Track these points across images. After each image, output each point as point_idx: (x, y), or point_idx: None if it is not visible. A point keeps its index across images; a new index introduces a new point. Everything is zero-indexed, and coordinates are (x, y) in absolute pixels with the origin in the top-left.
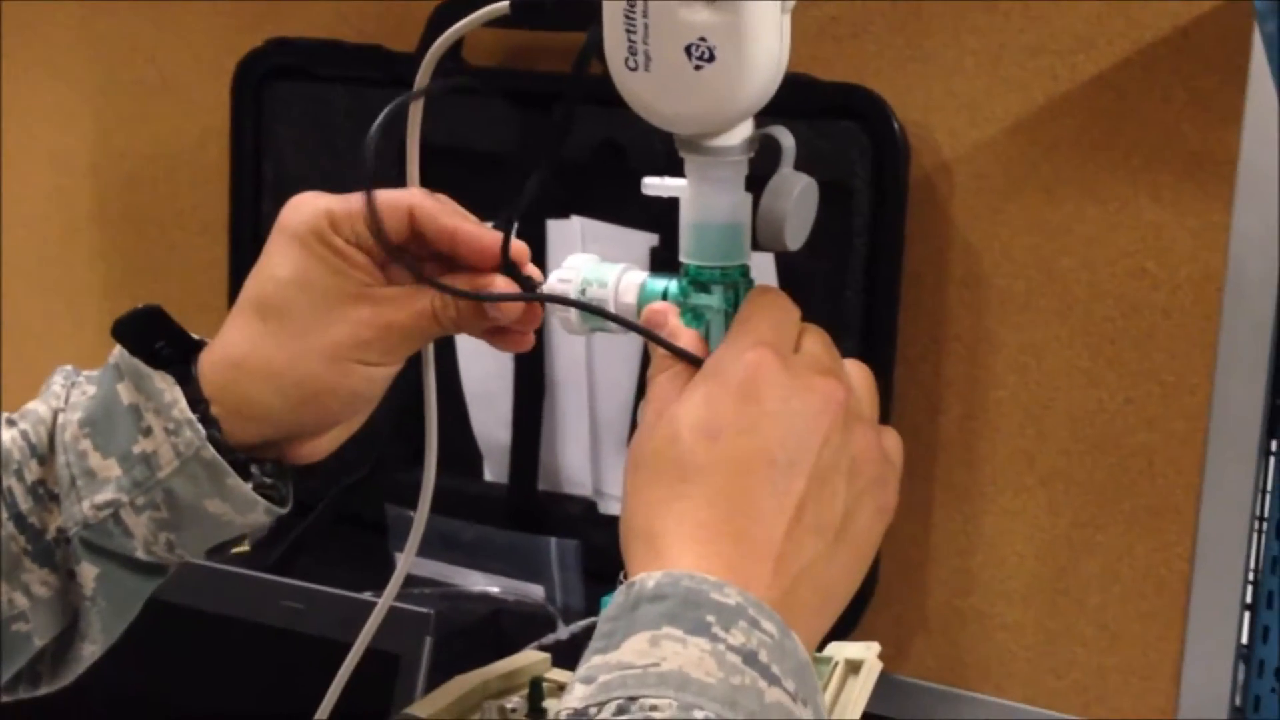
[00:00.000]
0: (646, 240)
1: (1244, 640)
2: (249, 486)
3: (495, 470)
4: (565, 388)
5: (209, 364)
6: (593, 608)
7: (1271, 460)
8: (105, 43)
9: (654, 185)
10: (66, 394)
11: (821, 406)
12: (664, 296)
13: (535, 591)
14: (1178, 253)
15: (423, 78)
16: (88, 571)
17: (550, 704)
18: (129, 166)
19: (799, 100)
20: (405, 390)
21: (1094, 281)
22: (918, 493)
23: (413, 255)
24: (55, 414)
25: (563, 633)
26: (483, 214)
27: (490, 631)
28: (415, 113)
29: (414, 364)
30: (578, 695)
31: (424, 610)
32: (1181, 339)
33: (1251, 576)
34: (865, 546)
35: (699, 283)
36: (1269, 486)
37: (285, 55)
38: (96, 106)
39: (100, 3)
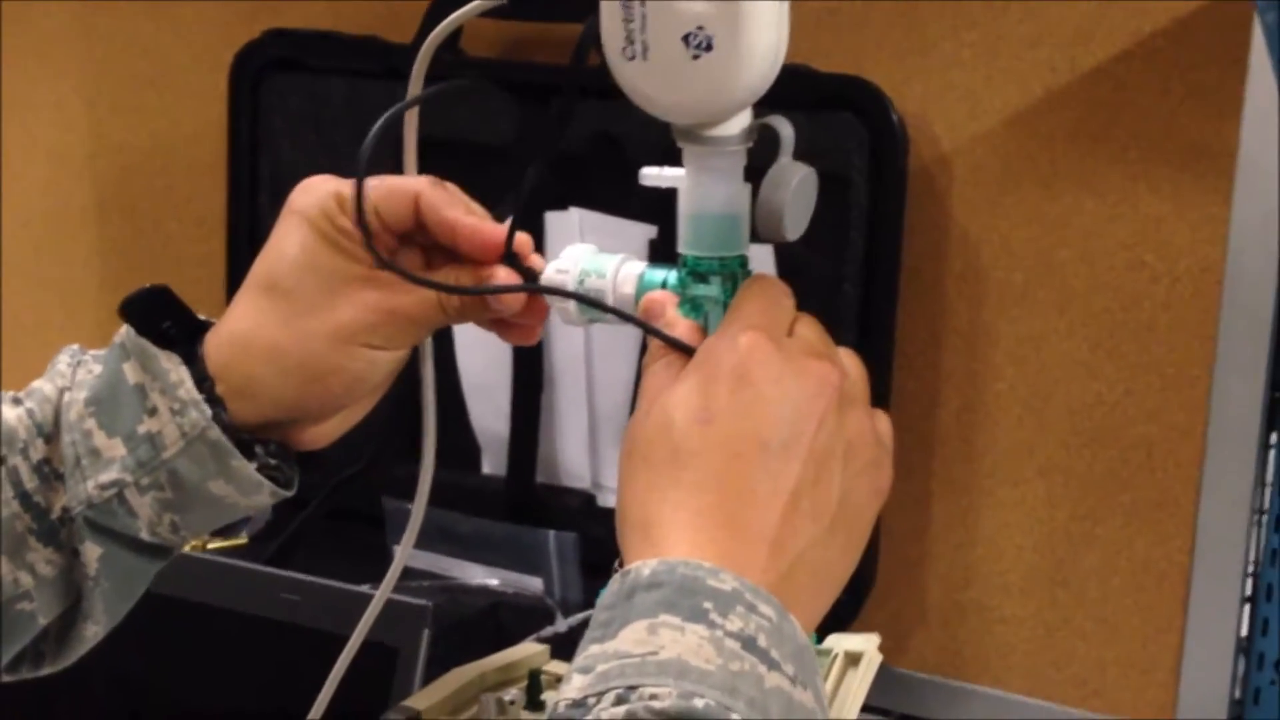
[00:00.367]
0: (645, 232)
1: (1244, 633)
2: (253, 468)
3: (493, 463)
4: (564, 380)
5: (214, 343)
6: (591, 600)
7: (1271, 453)
8: (101, 35)
9: (652, 176)
10: (72, 373)
11: (816, 389)
12: (663, 287)
13: (534, 584)
14: (1177, 245)
15: (420, 70)
16: (91, 551)
17: (549, 696)
18: (125, 159)
19: (797, 91)
20: (402, 383)
21: (1093, 274)
22: (917, 486)
23: (417, 246)
24: (61, 393)
25: (561, 625)
26: (482, 206)
27: (488, 624)
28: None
29: (411, 356)
30: (575, 685)
31: (422, 603)
32: (1181, 331)
33: (1251, 569)
34: (861, 528)
35: (697, 273)
36: (1269, 479)
37: (282, 47)
38: (92, 99)
39: None
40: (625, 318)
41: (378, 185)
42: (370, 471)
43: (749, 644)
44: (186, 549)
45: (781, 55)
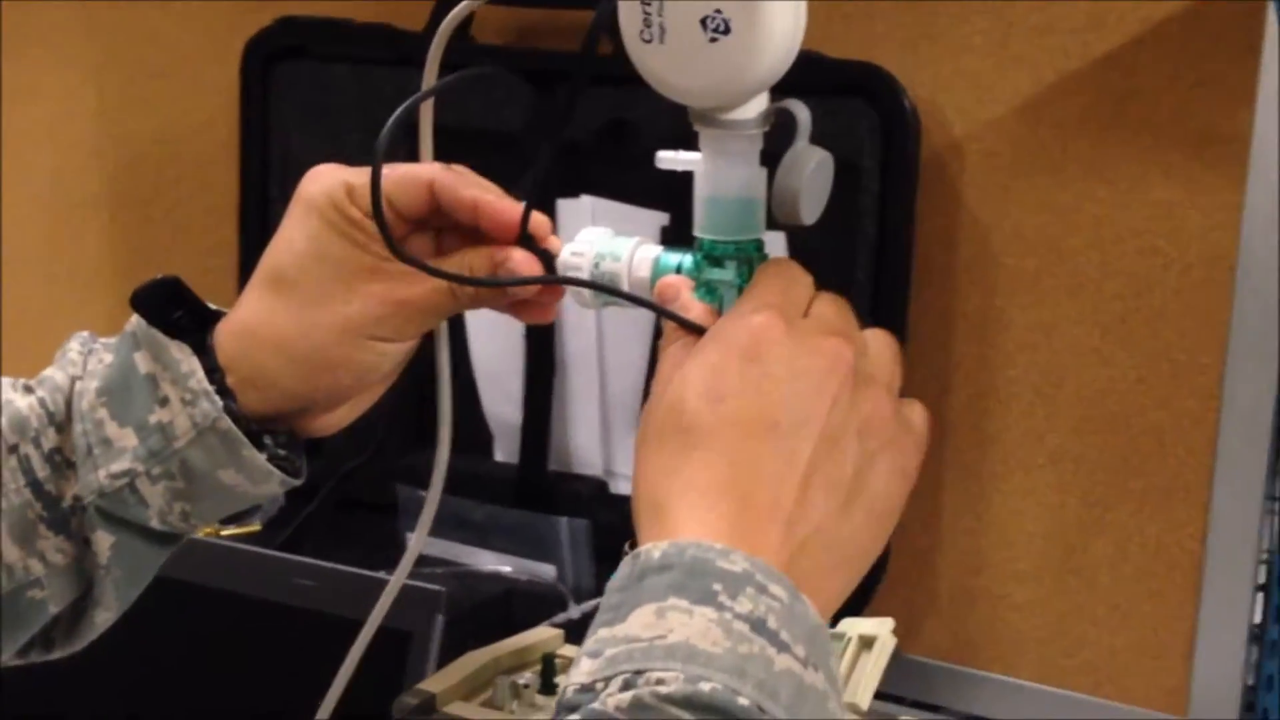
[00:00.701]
0: (657, 219)
1: (1256, 620)
2: (264, 457)
3: (506, 450)
4: (576, 367)
5: (225, 334)
6: (603, 587)
7: None
8: (109, 23)
9: (668, 159)
10: (84, 361)
11: (829, 367)
12: (678, 271)
13: (546, 571)
14: (1189, 231)
15: (434, 57)
16: (103, 540)
17: (563, 679)
18: (135, 148)
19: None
20: (414, 371)
21: (1104, 260)
22: (928, 472)
23: (430, 231)
24: (73, 381)
25: (574, 612)
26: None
27: (501, 611)
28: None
29: (423, 344)
30: (584, 670)
31: (436, 588)
32: (1193, 318)
33: (1263, 556)
34: (884, 507)
35: (713, 257)
36: None
37: (292, 35)
38: (101, 89)
39: None
40: (641, 302)
41: (389, 173)
42: (380, 459)
43: (758, 626)
44: (200, 535)
45: (799, 39)
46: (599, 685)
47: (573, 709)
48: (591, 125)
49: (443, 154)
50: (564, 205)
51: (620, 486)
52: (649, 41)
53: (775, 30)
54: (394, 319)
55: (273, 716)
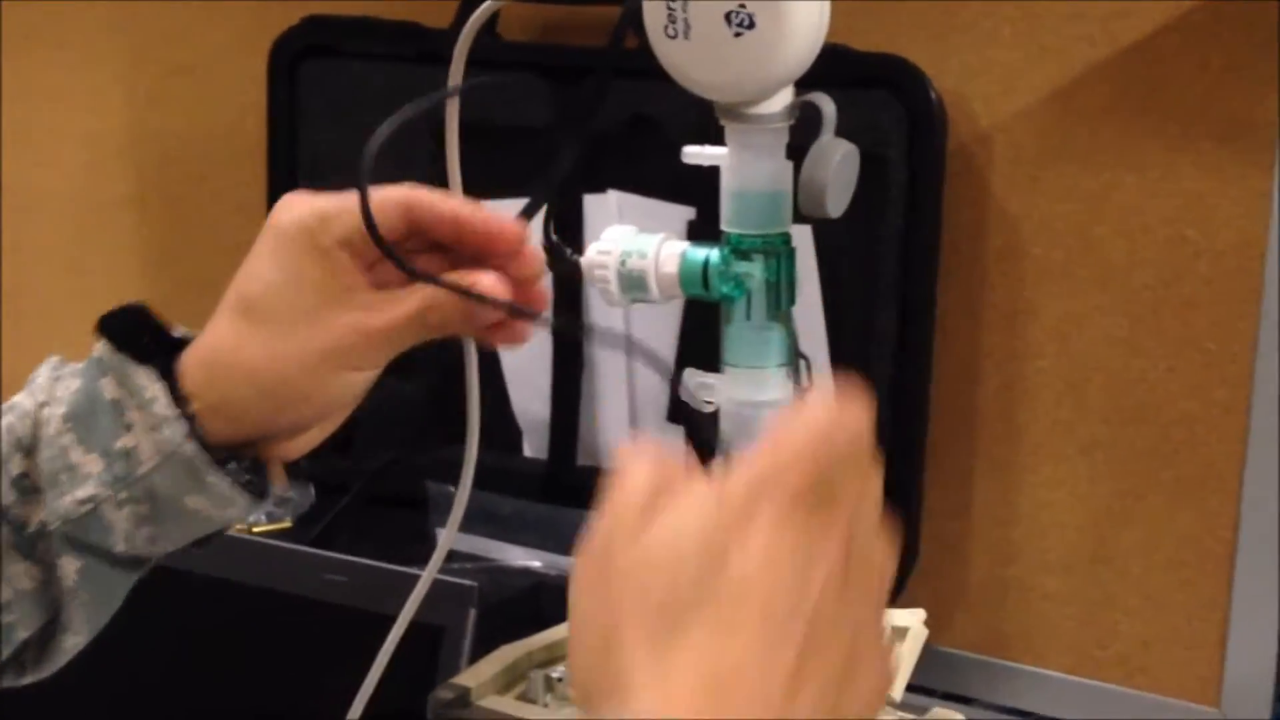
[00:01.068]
0: (683, 214)
1: None
2: (228, 483)
3: (535, 445)
4: (604, 362)
5: (191, 361)
6: None
7: None
8: (139, 24)
9: (694, 154)
10: (51, 387)
11: (830, 554)
12: (705, 265)
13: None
14: (1218, 220)
15: (460, 55)
16: (69, 565)
17: None
18: (164, 146)
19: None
20: (443, 367)
21: (1133, 250)
22: (958, 464)
23: (407, 251)
24: (40, 407)
25: None
26: (516, 189)
27: (531, 605)
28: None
29: (452, 342)
30: None
31: (468, 583)
32: (1223, 306)
33: None
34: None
35: (740, 251)
36: None
37: (320, 34)
38: (130, 88)
39: None
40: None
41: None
42: (411, 456)
43: None
44: (232, 531)
45: (823, 32)
46: None
47: None
48: (618, 120)
49: (466, 150)
50: (590, 200)
51: None
52: (674, 37)
53: (799, 24)
54: (363, 349)
55: (306, 712)
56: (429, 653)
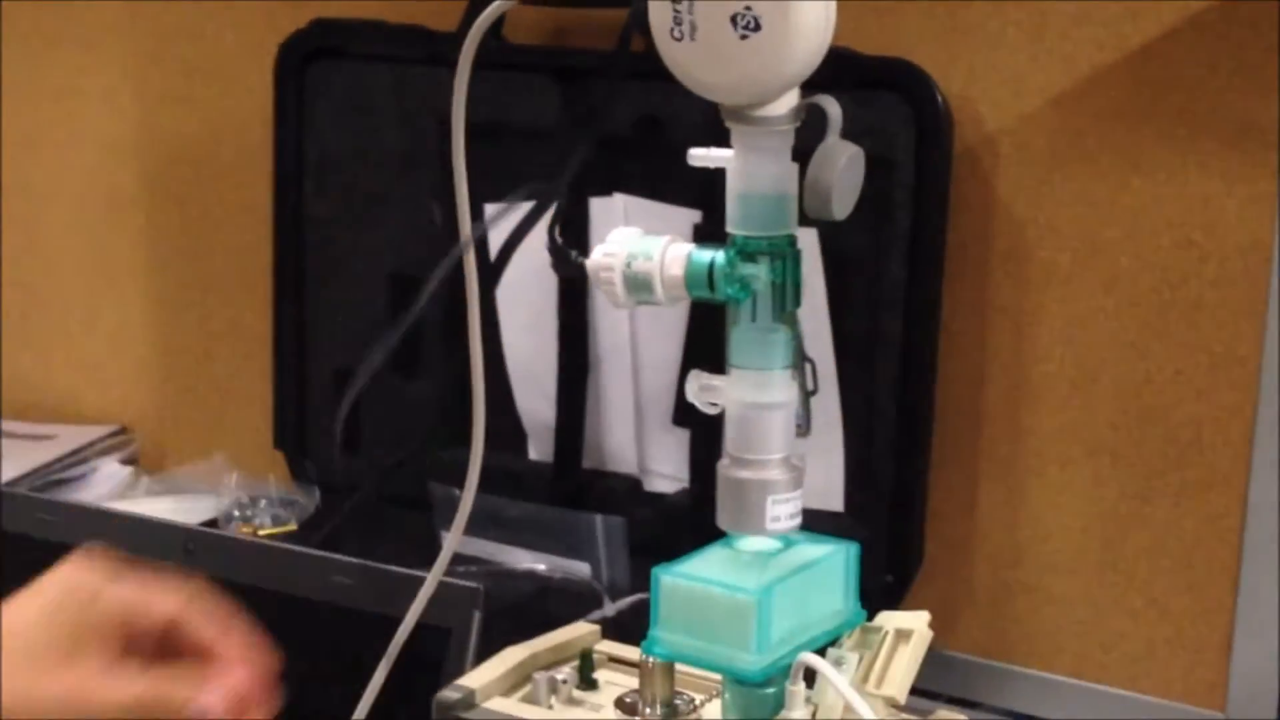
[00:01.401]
0: (689, 217)
1: None
2: None
3: (540, 448)
4: (609, 365)
5: None
6: (638, 585)
7: None
8: (148, 25)
9: (700, 156)
10: None
11: None
12: (711, 267)
13: (581, 569)
14: (1225, 223)
15: (465, 56)
16: None
17: (601, 675)
18: (173, 148)
19: (840, 73)
20: (448, 370)
21: (1140, 253)
22: (963, 466)
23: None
24: None
25: (609, 609)
26: (523, 192)
27: (536, 608)
28: (460, 94)
29: (458, 344)
30: None
31: (474, 585)
32: (1230, 309)
33: None
34: None
35: (746, 253)
36: None
37: (327, 37)
38: (139, 88)
39: None
40: None
41: (129, 589)
42: (417, 458)
43: None
44: (238, 533)
45: (829, 35)
46: None
47: None
48: (624, 122)
49: (473, 151)
50: (596, 204)
51: (654, 484)
52: (680, 39)
53: (805, 26)
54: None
55: (312, 713)
56: (434, 655)
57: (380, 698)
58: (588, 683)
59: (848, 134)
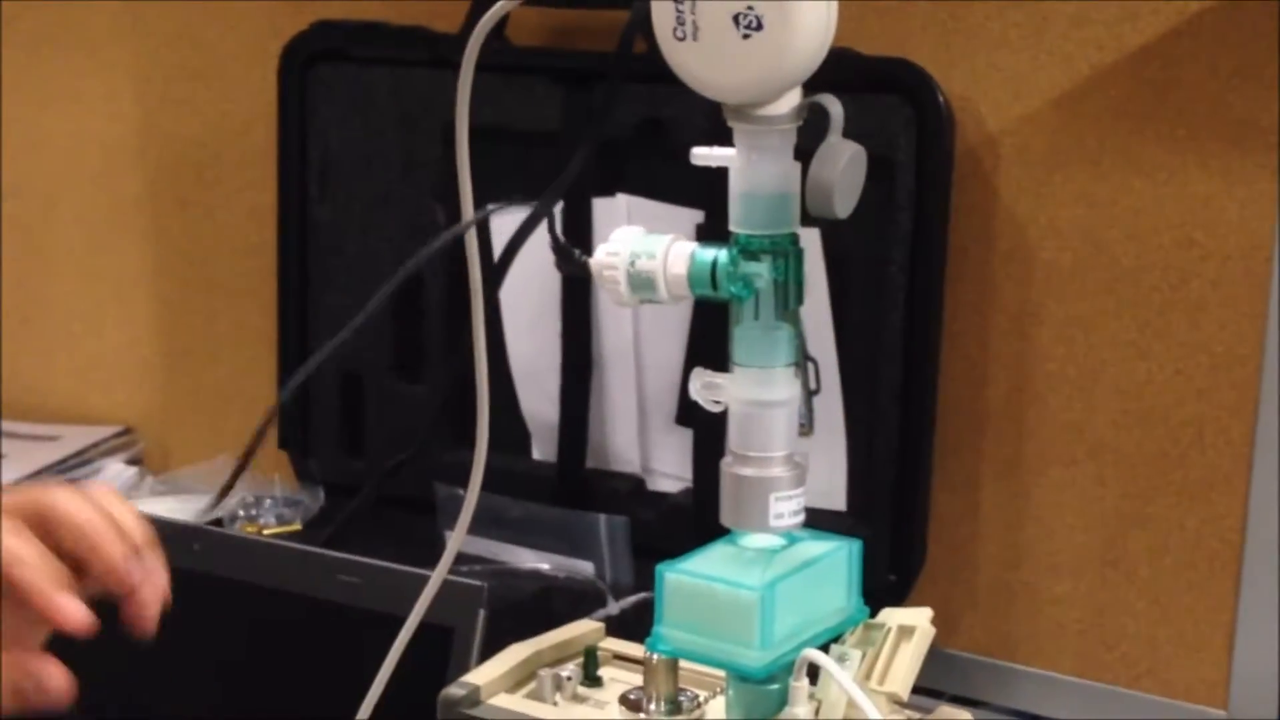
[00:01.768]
0: (692, 217)
1: None
2: None
3: (543, 448)
4: (612, 365)
5: None
6: (642, 584)
7: None
8: (150, 28)
9: (703, 155)
10: None
11: None
12: (713, 266)
13: (584, 568)
14: (1226, 223)
15: (468, 58)
16: None
17: (605, 672)
18: (176, 151)
19: (842, 74)
20: (451, 371)
21: (1141, 253)
22: (966, 467)
23: None
24: None
25: (613, 608)
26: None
27: (540, 608)
28: (463, 96)
29: (461, 344)
30: None
31: (478, 583)
32: (1231, 309)
33: None
34: None
35: (749, 252)
36: None
37: (329, 39)
38: (142, 91)
39: None
40: None
41: None
42: (421, 458)
43: None
44: (243, 532)
45: (830, 34)
46: None
47: None
48: (626, 124)
49: (480, 154)
50: (599, 204)
51: (658, 484)
52: (682, 39)
53: (807, 26)
54: None
55: (317, 711)
56: (439, 653)
57: (385, 696)
58: (592, 680)
59: (849, 134)
